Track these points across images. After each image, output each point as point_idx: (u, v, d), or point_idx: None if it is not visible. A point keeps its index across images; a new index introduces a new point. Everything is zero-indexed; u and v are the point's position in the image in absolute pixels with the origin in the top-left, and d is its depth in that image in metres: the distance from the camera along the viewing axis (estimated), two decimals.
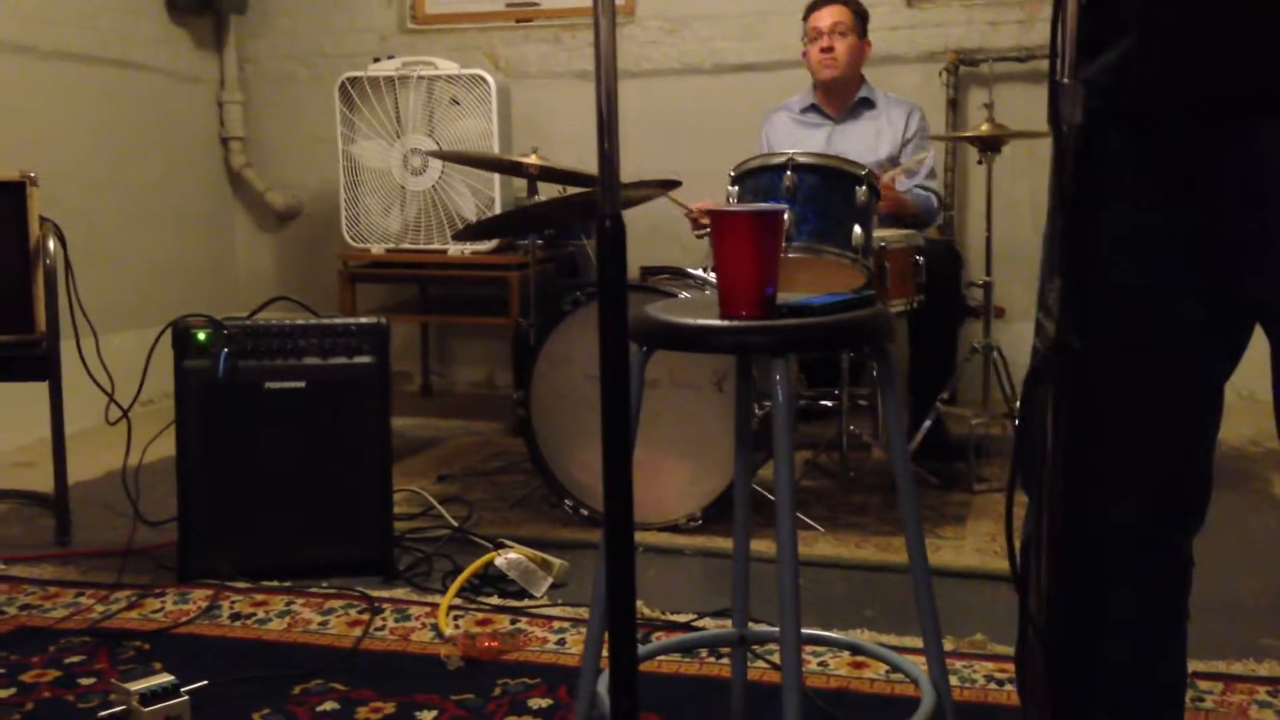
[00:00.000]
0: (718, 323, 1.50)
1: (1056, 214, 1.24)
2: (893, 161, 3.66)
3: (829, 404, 3.85)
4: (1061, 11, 1.22)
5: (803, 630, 2.02)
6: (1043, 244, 1.35)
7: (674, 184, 3.09)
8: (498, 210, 4.19)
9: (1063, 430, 1.24)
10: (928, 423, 3.46)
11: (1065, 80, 1.21)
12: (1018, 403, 1.40)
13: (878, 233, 3.07)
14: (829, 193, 2.80)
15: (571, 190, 3.50)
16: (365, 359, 2.71)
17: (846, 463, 3.46)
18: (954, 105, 4.37)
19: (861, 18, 3.70)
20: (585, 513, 3.03)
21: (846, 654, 2.20)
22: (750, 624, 1.94)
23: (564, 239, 4.37)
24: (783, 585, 1.46)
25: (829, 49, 3.64)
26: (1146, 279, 1.29)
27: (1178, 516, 1.37)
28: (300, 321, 2.72)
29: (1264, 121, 1.18)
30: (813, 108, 3.81)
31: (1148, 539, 1.36)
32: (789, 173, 2.77)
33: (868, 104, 3.77)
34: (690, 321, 1.51)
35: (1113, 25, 1.27)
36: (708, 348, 1.54)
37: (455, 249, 4.28)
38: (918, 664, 1.77)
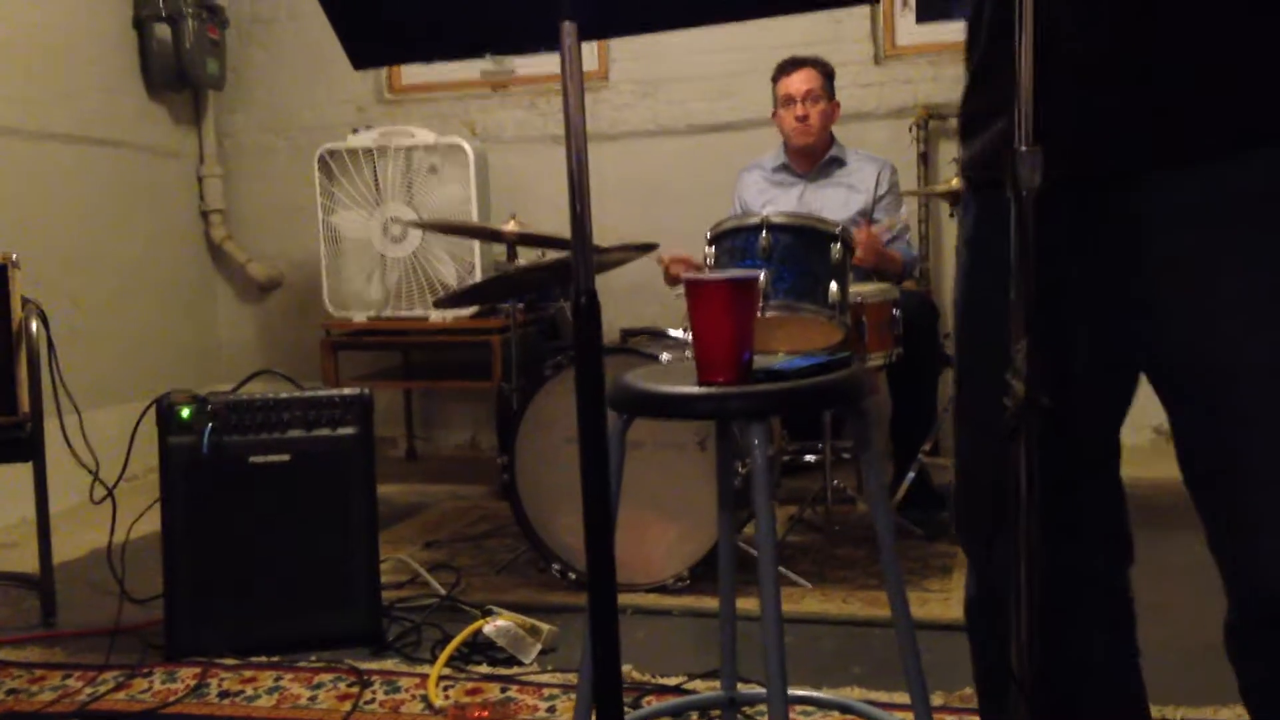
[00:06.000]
0: (695, 389, 1.53)
1: (1017, 275, 1.27)
2: (864, 216, 3.71)
3: (812, 459, 3.88)
4: (1018, 82, 1.27)
5: (791, 691, 2.04)
6: (958, 306, 1.40)
7: (651, 247, 3.13)
8: (478, 275, 4.23)
9: (1038, 486, 1.26)
10: (911, 474, 3.49)
11: (1023, 148, 1.25)
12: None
13: (855, 287, 3.12)
14: (804, 251, 2.83)
15: (550, 255, 3.54)
16: (349, 430, 2.73)
17: (831, 517, 3.47)
18: (924, 159, 4.44)
19: (830, 78, 3.76)
20: (573, 576, 3.03)
21: (836, 713, 2.20)
22: (740, 684, 1.95)
23: (545, 302, 4.41)
24: (768, 649, 1.47)
25: (804, 117, 3.70)
26: (1070, 335, 1.33)
27: (1121, 551, 1.41)
28: (284, 395, 2.73)
29: (1138, 186, 1.24)
30: (785, 167, 3.87)
31: (1105, 579, 1.41)
32: (764, 233, 2.81)
33: (839, 163, 3.82)
34: (668, 389, 1.54)
35: (989, 109, 1.34)
36: (687, 415, 1.57)
37: (437, 315, 4.31)
38: None
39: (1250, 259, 1.19)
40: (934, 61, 4.48)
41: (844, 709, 2.09)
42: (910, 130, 4.45)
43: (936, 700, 2.20)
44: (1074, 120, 1.25)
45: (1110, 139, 1.25)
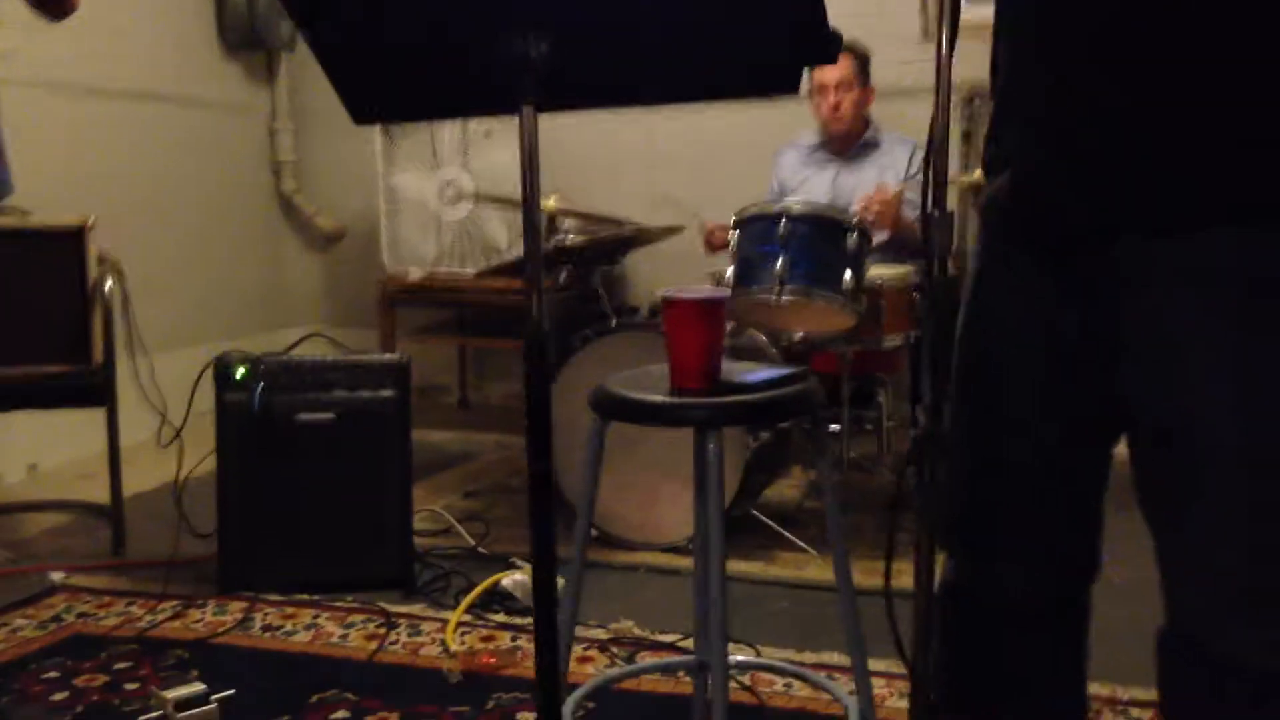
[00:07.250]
0: (662, 399, 1.72)
1: (928, 323, 1.45)
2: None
3: (837, 428, 4.05)
4: (931, 151, 1.43)
5: (743, 657, 2.28)
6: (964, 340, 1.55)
7: (676, 230, 3.32)
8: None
9: (929, 509, 1.44)
10: None
11: (936, 213, 1.42)
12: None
13: (875, 270, 3.27)
14: (821, 240, 3.00)
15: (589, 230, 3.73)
16: (388, 392, 2.97)
17: (848, 485, 3.65)
18: (967, 138, 4.52)
19: (864, 64, 3.87)
20: (594, 533, 3.26)
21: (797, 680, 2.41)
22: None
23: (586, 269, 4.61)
24: (711, 632, 1.68)
25: (836, 106, 3.82)
26: (1030, 370, 1.47)
27: (1073, 569, 1.54)
28: (330, 358, 2.98)
29: (1121, 242, 1.35)
30: (822, 146, 4.00)
31: (1047, 593, 1.54)
32: (784, 221, 2.98)
33: (873, 145, 3.94)
34: (640, 397, 1.73)
35: (1000, 158, 1.48)
36: (655, 421, 1.76)
37: None
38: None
39: (1233, 325, 1.26)
40: (983, 40, 4.52)
41: (795, 674, 2.31)
42: (954, 108, 4.53)
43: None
44: (1063, 185, 1.36)
45: (1091, 200, 1.35)
